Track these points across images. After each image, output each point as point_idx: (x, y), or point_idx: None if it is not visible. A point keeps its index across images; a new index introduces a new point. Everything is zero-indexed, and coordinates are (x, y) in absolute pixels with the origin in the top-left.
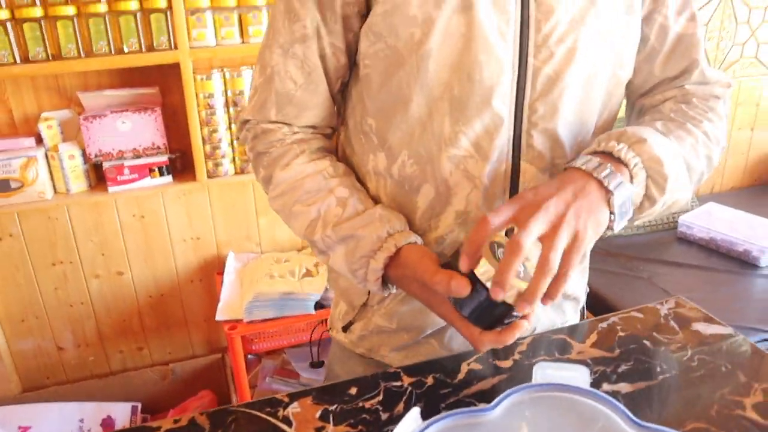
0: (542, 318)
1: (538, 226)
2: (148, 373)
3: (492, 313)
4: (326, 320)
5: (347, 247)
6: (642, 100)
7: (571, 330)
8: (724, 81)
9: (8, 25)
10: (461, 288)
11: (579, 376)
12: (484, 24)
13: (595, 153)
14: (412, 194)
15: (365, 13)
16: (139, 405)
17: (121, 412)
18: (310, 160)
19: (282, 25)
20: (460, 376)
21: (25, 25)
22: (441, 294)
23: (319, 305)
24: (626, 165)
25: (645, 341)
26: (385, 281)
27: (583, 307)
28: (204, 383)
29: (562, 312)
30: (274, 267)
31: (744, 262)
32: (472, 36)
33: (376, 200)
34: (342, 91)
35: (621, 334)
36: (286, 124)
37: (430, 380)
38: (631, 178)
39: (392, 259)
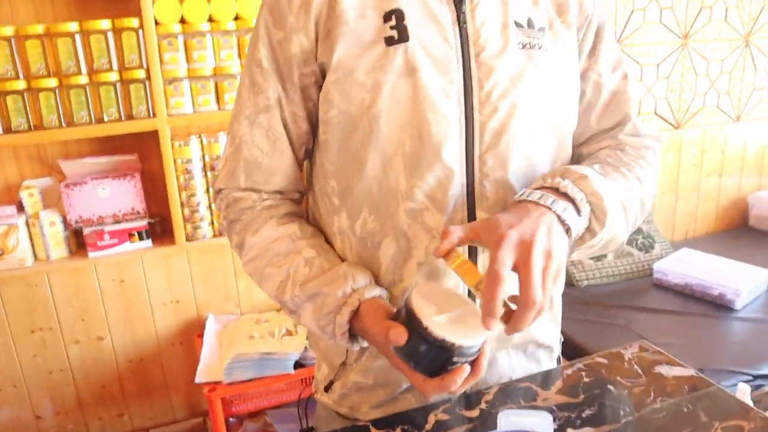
0: (517, 368)
1: (508, 252)
2: None
3: (435, 360)
4: (306, 380)
5: (315, 304)
6: (580, 149)
7: (537, 378)
8: (653, 135)
9: None
10: (398, 337)
11: (542, 421)
12: (428, 86)
13: (542, 188)
14: (375, 250)
15: (321, 84)
16: None
17: None
18: (279, 224)
19: (247, 97)
20: (428, 426)
21: (9, 98)
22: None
23: (298, 364)
24: (572, 199)
25: (609, 386)
26: (355, 335)
27: (559, 357)
28: None
29: (537, 361)
30: (253, 328)
31: (719, 306)
32: (419, 97)
33: (343, 259)
34: (307, 157)
35: (585, 379)
36: (255, 191)
37: (398, 431)
38: (578, 211)
39: (356, 314)
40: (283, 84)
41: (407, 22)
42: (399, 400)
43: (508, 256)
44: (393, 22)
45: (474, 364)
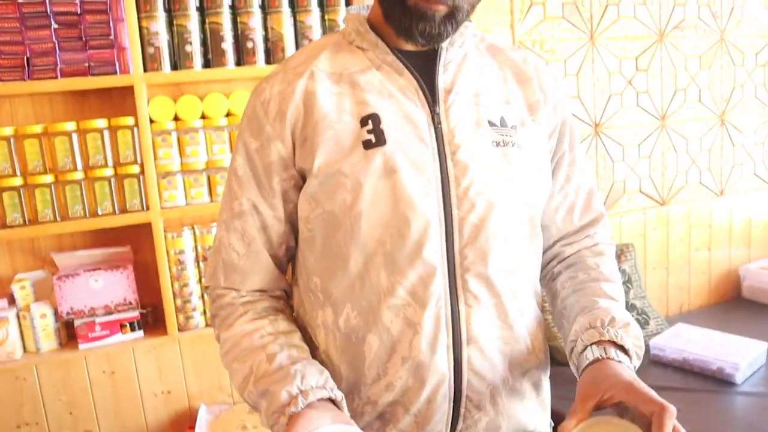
0: None
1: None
2: None
3: None
4: None
5: (266, 402)
6: (562, 247)
7: None
8: (606, 222)
9: None
10: None
11: None
12: (407, 185)
13: (600, 342)
14: (359, 345)
15: (302, 185)
16: None
17: None
18: (251, 319)
19: (225, 203)
20: None
21: (5, 194)
22: None
23: None
24: (627, 350)
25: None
26: None
27: None
28: None
29: None
30: (246, 418)
31: (720, 380)
32: (398, 197)
33: (326, 354)
34: (290, 256)
35: None
36: (234, 289)
37: None
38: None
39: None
40: (260, 190)
41: (383, 125)
42: None
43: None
44: (370, 126)
45: None
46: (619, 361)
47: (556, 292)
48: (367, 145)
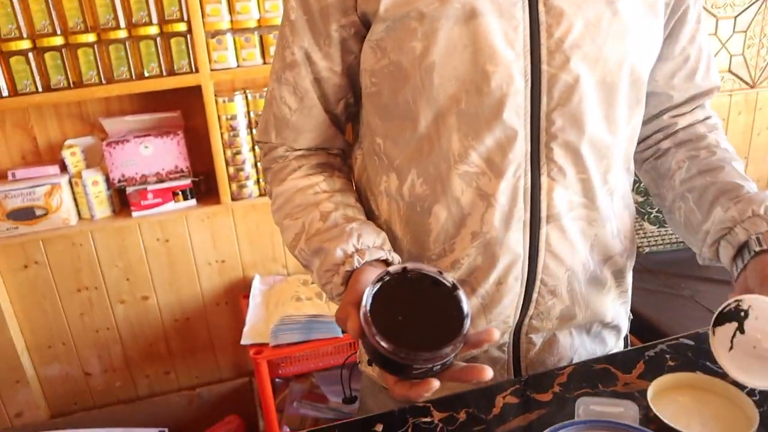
0: (580, 350)
1: None
2: (175, 398)
3: (395, 366)
4: (355, 344)
5: (319, 260)
6: (670, 119)
7: (615, 359)
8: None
9: (30, 55)
10: (353, 332)
11: (626, 412)
12: (489, 33)
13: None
14: (424, 216)
15: (365, 33)
16: (166, 430)
17: None
18: (305, 175)
19: (277, 52)
20: (495, 410)
21: (47, 55)
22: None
23: None
24: None
25: (698, 371)
26: None
27: (627, 336)
28: (231, 407)
29: (603, 342)
30: (300, 289)
31: None
32: (478, 46)
33: (388, 225)
34: (350, 113)
35: (671, 363)
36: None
37: (462, 415)
38: None
39: (355, 276)
40: (315, 37)
41: None
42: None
43: None
44: None
45: (446, 374)
46: None
47: (668, 172)
48: None
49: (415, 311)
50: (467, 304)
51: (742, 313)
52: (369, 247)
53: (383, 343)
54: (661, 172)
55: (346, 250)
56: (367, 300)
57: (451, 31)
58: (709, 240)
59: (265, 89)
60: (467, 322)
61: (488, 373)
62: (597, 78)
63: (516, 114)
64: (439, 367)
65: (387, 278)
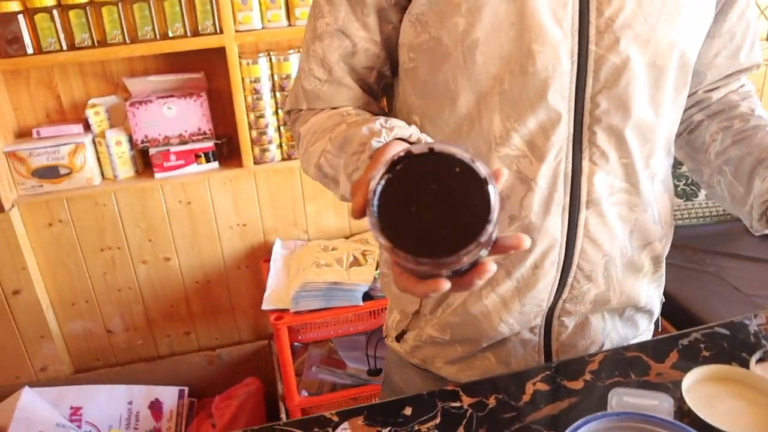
0: (612, 333)
1: None
2: (195, 358)
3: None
4: (375, 312)
5: (346, 149)
6: (705, 93)
7: (647, 347)
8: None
9: (54, 12)
10: (354, 211)
11: (661, 405)
12: (537, 10)
13: None
14: None
15: (405, 4)
16: (186, 389)
17: (169, 395)
18: (332, 109)
19: (309, 21)
20: (525, 397)
21: (71, 12)
22: None
23: (367, 296)
24: None
25: (733, 363)
26: None
27: (658, 319)
28: (250, 369)
29: (635, 326)
30: (321, 255)
31: None
32: (525, 25)
33: None
34: (385, 84)
35: (705, 353)
36: None
37: (492, 401)
38: None
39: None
40: (351, 6)
41: None
42: (477, 358)
43: None
44: None
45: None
46: None
47: (703, 146)
48: None
49: (433, 203)
50: (496, 205)
51: None
52: (397, 126)
53: (381, 239)
54: (695, 146)
55: (373, 127)
56: (376, 182)
57: (498, 8)
58: (755, 214)
59: (290, 51)
60: (489, 228)
61: (526, 242)
62: (647, 60)
63: (561, 96)
64: (449, 273)
65: (407, 158)
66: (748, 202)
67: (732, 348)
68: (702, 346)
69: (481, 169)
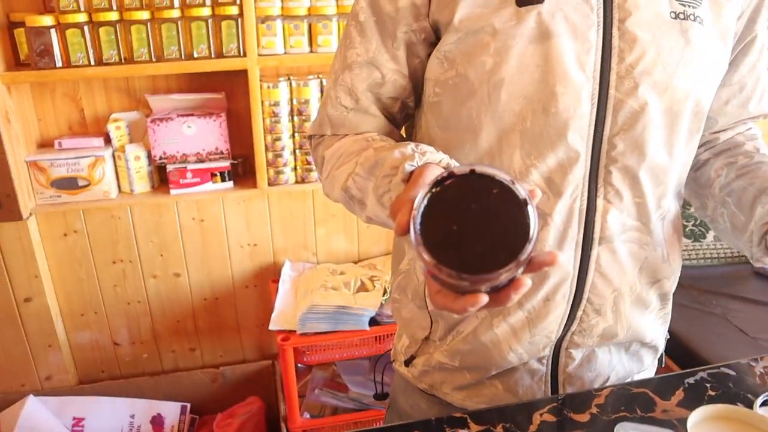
0: (618, 367)
1: None
2: (199, 375)
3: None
4: (380, 338)
5: (374, 176)
6: (713, 134)
7: (653, 383)
8: None
9: (85, 28)
10: (400, 228)
11: None
12: (562, 54)
13: None
14: None
15: (434, 41)
16: (189, 405)
17: (171, 411)
18: (356, 135)
19: (340, 51)
20: (532, 428)
21: (101, 29)
22: None
23: (373, 321)
24: None
25: (738, 404)
26: None
27: (662, 355)
28: (253, 389)
29: (640, 361)
30: (329, 278)
31: None
32: (550, 67)
33: None
34: (407, 115)
35: (711, 393)
36: None
37: (499, 429)
38: None
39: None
40: (383, 39)
41: None
42: (485, 386)
43: None
44: None
45: (501, 292)
46: None
47: (708, 181)
48: (522, 2)
49: (474, 221)
50: (535, 225)
51: None
52: (428, 151)
53: (425, 255)
54: (701, 182)
55: (405, 151)
56: (420, 201)
57: (525, 50)
58: (755, 238)
59: (310, 77)
60: (529, 247)
61: (559, 258)
62: (664, 106)
63: (580, 136)
64: (488, 288)
65: (449, 179)
66: (749, 228)
67: (737, 389)
68: (708, 385)
69: (521, 190)
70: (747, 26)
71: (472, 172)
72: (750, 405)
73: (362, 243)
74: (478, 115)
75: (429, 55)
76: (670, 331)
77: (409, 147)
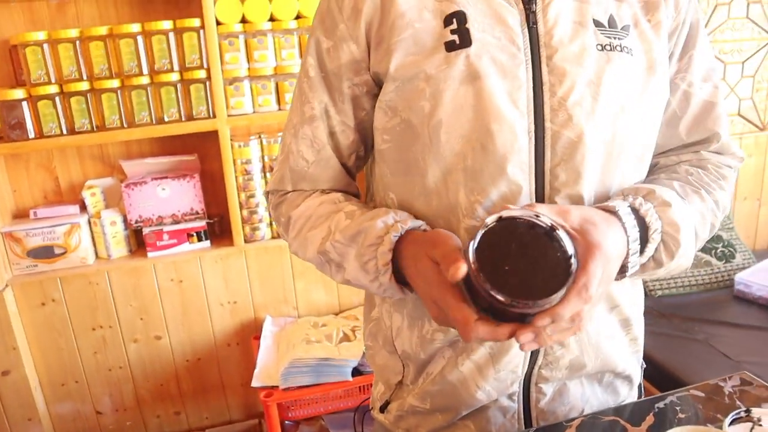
0: (592, 400)
1: (598, 273)
2: None
3: (498, 313)
4: (364, 387)
5: (356, 243)
6: (657, 158)
7: (624, 410)
8: (739, 155)
9: (57, 99)
10: (456, 271)
11: None
12: (493, 93)
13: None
14: None
15: (377, 92)
16: None
17: None
18: (322, 194)
19: (295, 106)
20: None
21: (73, 99)
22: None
23: (356, 371)
24: (647, 228)
25: (708, 424)
26: (402, 279)
27: (641, 385)
28: None
29: (615, 393)
30: (311, 331)
31: None
32: (483, 106)
33: None
34: (359, 165)
35: (681, 416)
36: None
37: None
38: (646, 242)
39: (402, 240)
40: (330, 94)
41: (469, 25)
42: (458, 427)
43: (596, 277)
44: (454, 26)
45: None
46: (625, 231)
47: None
48: (450, 46)
49: (519, 258)
50: (570, 243)
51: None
52: (407, 218)
53: (500, 297)
54: None
55: (387, 221)
56: (472, 256)
57: (458, 91)
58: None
59: (280, 134)
60: (574, 261)
61: None
62: (600, 135)
63: (520, 170)
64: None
65: (485, 229)
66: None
67: (707, 410)
68: (678, 408)
69: (545, 220)
70: (673, 48)
71: (500, 218)
72: (720, 426)
73: (342, 294)
74: (423, 157)
75: (374, 106)
76: (655, 361)
77: (390, 216)
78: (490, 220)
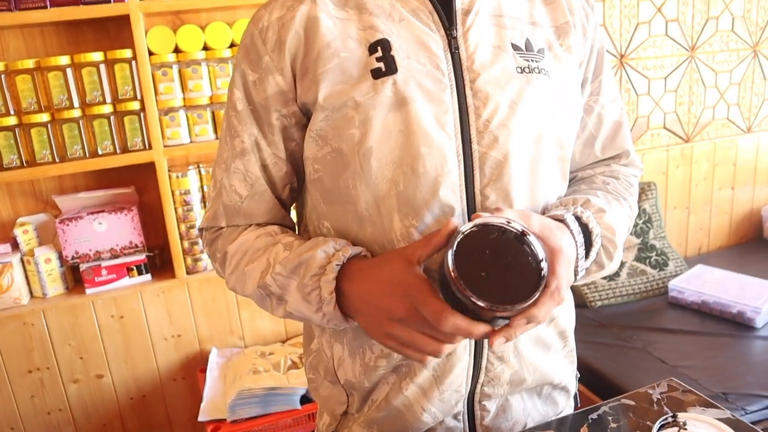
0: (533, 413)
1: (565, 275)
2: None
3: (470, 314)
4: (313, 415)
5: (298, 275)
6: (574, 173)
7: (560, 424)
8: (640, 166)
9: None
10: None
11: None
12: (421, 117)
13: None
14: None
15: (305, 123)
16: None
17: None
18: (258, 227)
19: (225, 142)
20: None
21: (0, 134)
22: (417, 273)
23: (305, 399)
24: (590, 233)
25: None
26: (343, 310)
27: (576, 395)
28: None
29: (554, 404)
30: (258, 361)
31: (739, 324)
32: (411, 130)
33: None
34: (294, 197)
35: (613, 425)
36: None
37: None
38: (590, 246)
39: (346, 268)
40: (260, 126)
41: (394, 52)
42: None
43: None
44: (379, 54)
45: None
46: (574, 238)
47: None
48: (376, 74)
49: (494, 264)
50: (540, 248)
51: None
52: (347, 245)
53: (481, 303)
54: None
55: (327, 250)
56: (452, 264)
57: (386, 118)
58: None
59: None
60: (545, 265)
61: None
62: (524, 154)
63: (452, 191)
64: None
65: (461, 236)
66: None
67: (637, 417)
68: (610, 418)
69: (516, 226)
70: (584, 73)
71: (474, 225)
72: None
73: (288, 322)
74: (354, 185)
75: (304, 137)
76: (595, 370)
77: (330, 245)
78: (465, 227)
